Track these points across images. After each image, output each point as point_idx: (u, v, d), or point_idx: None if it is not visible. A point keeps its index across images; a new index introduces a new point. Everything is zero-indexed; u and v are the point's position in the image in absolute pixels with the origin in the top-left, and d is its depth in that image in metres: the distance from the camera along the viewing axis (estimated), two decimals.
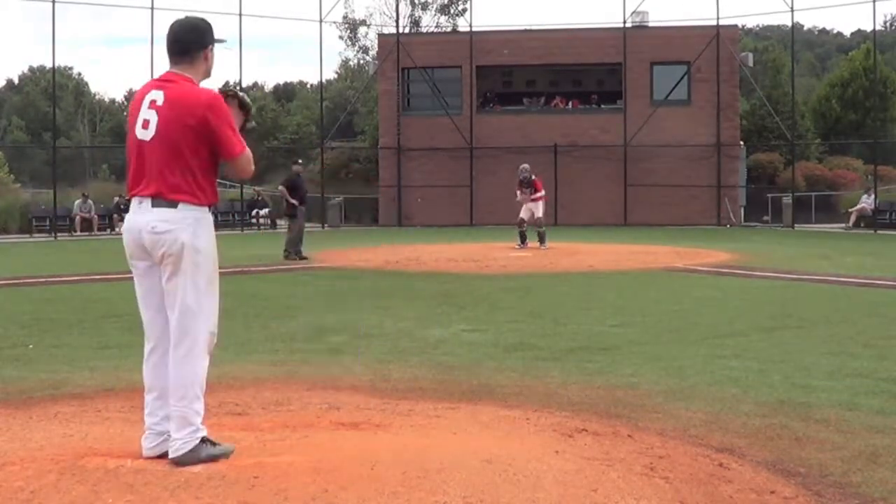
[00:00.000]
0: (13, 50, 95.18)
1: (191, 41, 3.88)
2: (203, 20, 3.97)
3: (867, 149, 35.73)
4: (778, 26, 63.85)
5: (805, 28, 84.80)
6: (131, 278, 4.02)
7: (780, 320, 9.00)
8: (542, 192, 19.95)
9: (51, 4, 29.23)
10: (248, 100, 4.16)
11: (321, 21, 33.64)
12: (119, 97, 75.20)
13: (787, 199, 30.68)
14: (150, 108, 3.82)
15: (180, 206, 3.79)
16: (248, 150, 3.91)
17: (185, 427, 3.79)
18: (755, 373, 6.31)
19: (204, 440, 3.84)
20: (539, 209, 19.75)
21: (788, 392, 5.69)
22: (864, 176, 33.40)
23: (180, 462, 3.76)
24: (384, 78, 34.80)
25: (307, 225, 18.17)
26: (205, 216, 3.88)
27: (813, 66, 69.55)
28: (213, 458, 3.80)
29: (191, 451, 3.78)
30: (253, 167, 3.97)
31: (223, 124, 3.82)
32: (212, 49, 3.93)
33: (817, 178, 33.59)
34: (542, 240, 19.57)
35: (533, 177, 19.84)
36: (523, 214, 19.76)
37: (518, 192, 20.04)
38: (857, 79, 41.37)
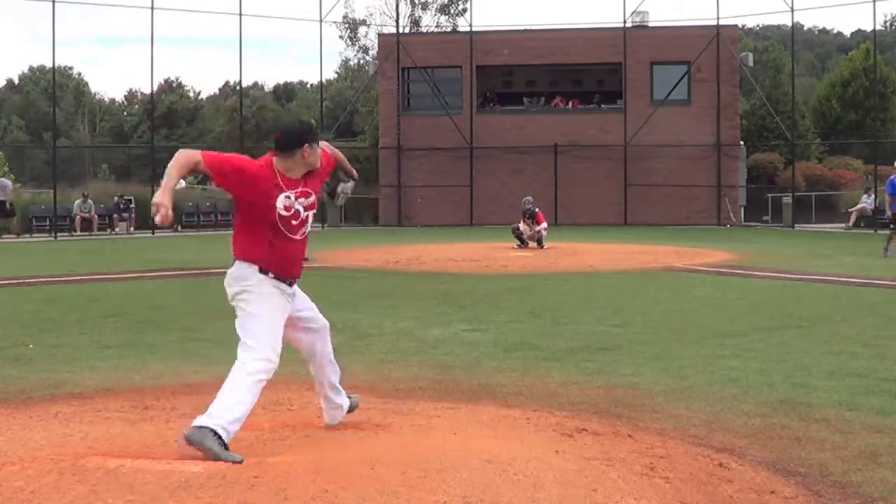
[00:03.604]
0: (13, 50, 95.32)
1: (286, 142, 4.34)
2: (303, 124, 4.48)
3: (867, 149, 35.71)
4: (778, 26, 63.93)
5: (805, 28, 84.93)
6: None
7: (780, 320, 9.00)
8: (545, 224, 19.97)
9: (51, 4, 29.24)
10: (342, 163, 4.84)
11: (321, 21, 33.69)
12: (119, 97, 75.27)
13: (787, 199, 30.67)
14: None
15: (236, 263, 4.36)
16: (182, 151, 4.26)
17: (207, 413, 3.98)
18: (755, 373, 6.31)
19: (218, 436, 3.91)
20: (541, 231, 19.88)
21: (788, 392, 5.69)
22: (864, 176, 33.36)
23: (187, 437, 3.92)
24: (384, 78, 34.79)
25: None
26: (243, 272, 4.30)
27: (813, 66, 69.56)
28: (214, 456, 3.83)
29: (198, 429, 3.92)
30: (176, 156, 4.21)
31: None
32: (310, 146, 4.33)
33: (817, 178, 33.58)
34: (539, 242, 19.63)
35: (536, 209, 19.95)
36: (524, 229, 19.93)
37: (521, 222, 20.19)
38: (857, 79, 41.34)
